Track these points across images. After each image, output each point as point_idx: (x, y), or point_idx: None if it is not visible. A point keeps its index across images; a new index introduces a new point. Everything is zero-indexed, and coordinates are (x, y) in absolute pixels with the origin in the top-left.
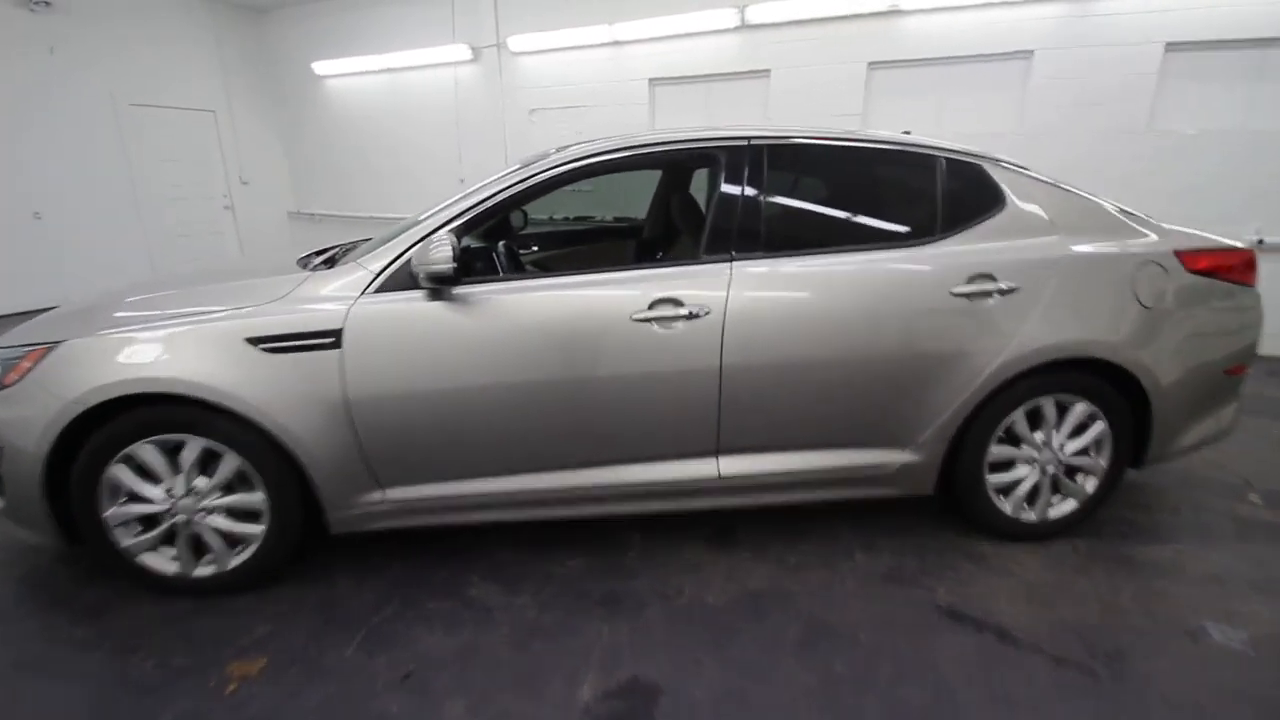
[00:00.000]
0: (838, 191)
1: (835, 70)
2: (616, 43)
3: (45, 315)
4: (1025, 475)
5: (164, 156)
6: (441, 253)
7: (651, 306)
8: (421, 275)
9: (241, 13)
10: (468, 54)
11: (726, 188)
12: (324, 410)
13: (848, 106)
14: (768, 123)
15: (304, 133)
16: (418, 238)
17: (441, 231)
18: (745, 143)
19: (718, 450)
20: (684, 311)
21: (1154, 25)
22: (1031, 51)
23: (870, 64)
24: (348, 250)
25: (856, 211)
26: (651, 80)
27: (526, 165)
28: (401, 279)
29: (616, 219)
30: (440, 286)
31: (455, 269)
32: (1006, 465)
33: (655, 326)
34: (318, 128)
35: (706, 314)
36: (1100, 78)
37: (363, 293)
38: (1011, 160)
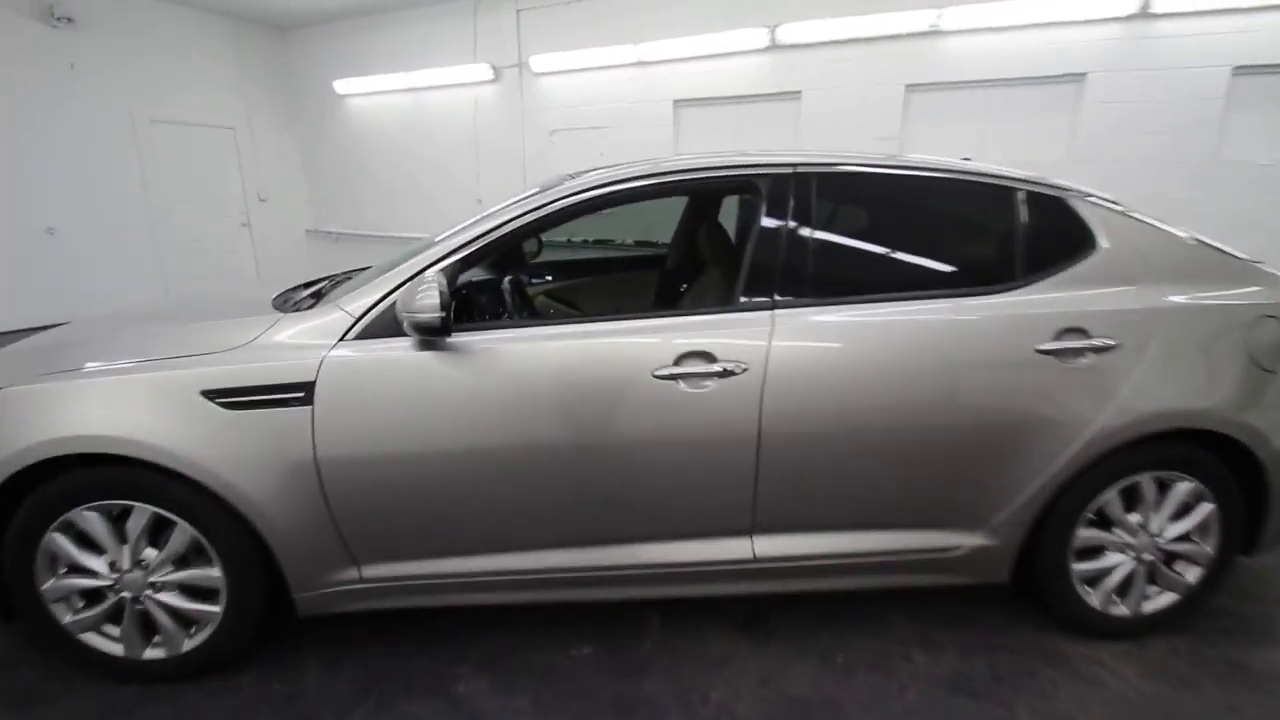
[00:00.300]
0: (898, 228)
1: (871, 92)
2: (641, 63)
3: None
4: (1117, 563)
5: (181, 173)
6: (428, 300)
7: (678, 361)
8: (405, 324)
9: (264, 30)
10: (489, 74)
11: (768, 222)
12: (291, 475)
13: (884, 130)
14: (812, 147)
15: (323, 151)
16: (406, 276)
17: (431, 271)
18: (790, 170)
19: (753, 528)
20: (716, 368)
21: (1220, 48)
22: (1084, 74)
23: (908, 86)
24: (338, 283)
25: (921, 252)
26: (676, 101)
27: (543, 190)
28: (386, 323)
29: (637, 243)
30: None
31: (444, 319)
32: (1095, 551)
33: (682, 385)
34: (337, 146)
35: (743, 371)
36: (1160, 103)
37: (340, 339)
38: (1101, 194)
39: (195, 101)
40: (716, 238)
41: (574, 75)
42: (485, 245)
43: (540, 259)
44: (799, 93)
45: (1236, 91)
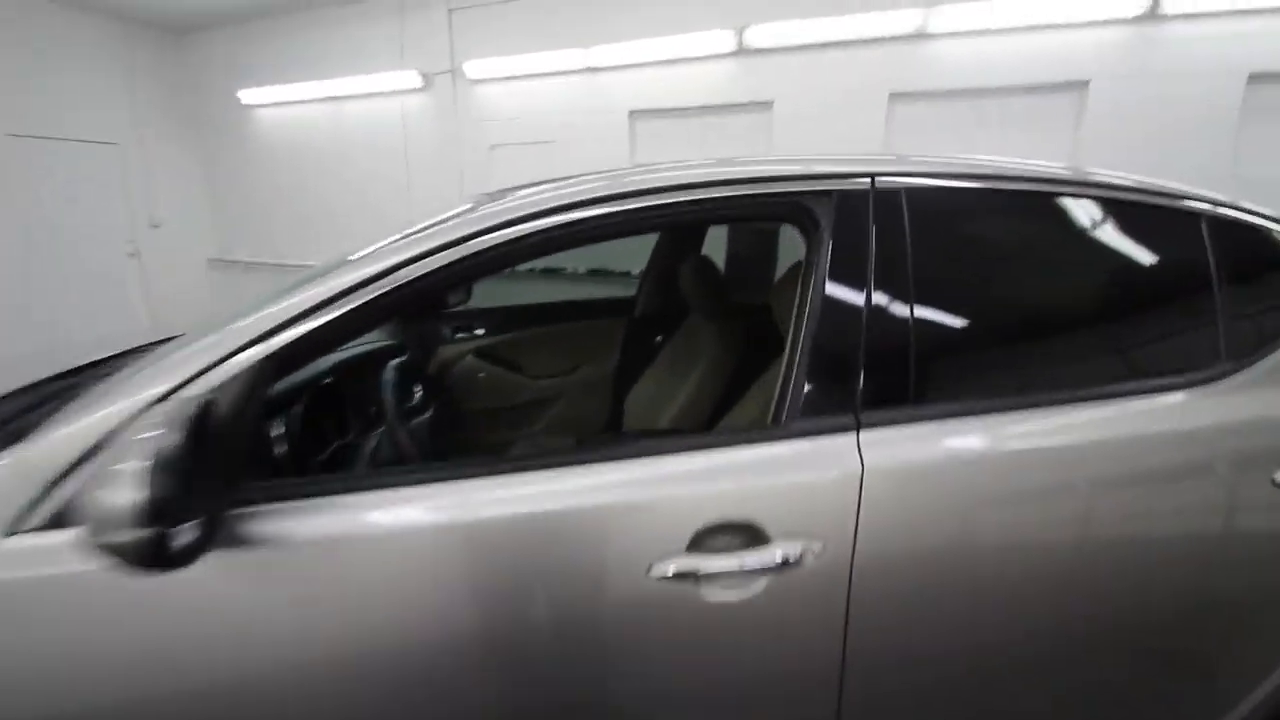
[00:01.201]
0: (1044, 280)
1: (851, 101)
2: (591, 69)
3: None
4: None
5: (52, 196)
6: (117, 497)
7: (694, 543)
8: (90, 539)
9: (156, 33)
10: (418, 81)
11: (836, 281)
12: None
13: (865, 144)
14: (891, 149)
15: (229, 169)
16: (114, 418)
17: (168, 403)
18: (865, 185)
19: None
20: (769, 556)
21: (1235, 53)
22: (1086, 82)
23: (892, 94)
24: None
25: (1078, 323)
26: (632, 113)
27: (469, 211)
28: None
29: (590, 272)
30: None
31: (159, 537)
32: None
33: (703, 589)
34: (245, 164)
35: (816, 555)
36: (1169, 113)
37: (11, 533)
38: None
39: (72, 114)
40: (705, 279)
41: (515, 83)
42: (324, 327)
43: (460, 309)
44: (770, 103)
45: (1252, 101)
